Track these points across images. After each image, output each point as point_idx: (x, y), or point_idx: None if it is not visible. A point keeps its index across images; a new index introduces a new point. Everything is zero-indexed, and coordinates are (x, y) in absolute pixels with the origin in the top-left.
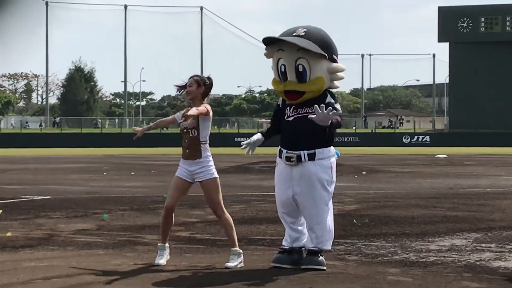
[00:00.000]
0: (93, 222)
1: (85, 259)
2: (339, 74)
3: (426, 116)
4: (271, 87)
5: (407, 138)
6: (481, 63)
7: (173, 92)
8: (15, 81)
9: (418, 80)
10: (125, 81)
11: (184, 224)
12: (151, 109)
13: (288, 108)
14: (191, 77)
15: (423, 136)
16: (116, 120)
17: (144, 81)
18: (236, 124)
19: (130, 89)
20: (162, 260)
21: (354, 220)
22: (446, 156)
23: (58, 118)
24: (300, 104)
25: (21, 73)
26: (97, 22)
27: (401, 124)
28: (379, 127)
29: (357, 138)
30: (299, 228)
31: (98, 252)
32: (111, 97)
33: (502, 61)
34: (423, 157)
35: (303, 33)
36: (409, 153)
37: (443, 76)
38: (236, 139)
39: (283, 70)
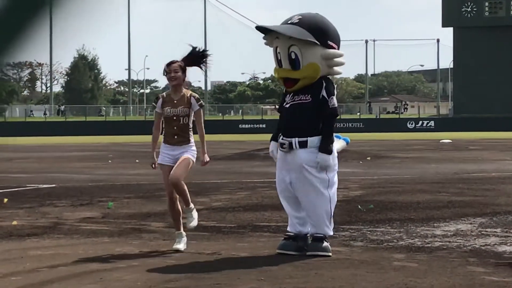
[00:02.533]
0: (98, 210)
1: (90, 247)
2: (337, 60)
3: (430, 101)
4: None
5: (412, 124)
6: (485, 47)
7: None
8: (19, 70)
9: (422, 66)
10: (129, 69)
11: None
12: (155, 97)
13: (288, 95)
14: (173, 62)
15: (428, 121)
16: (120, 108)
17: (148, 68)
18: (240, 111)
19: (134, 77)
20: (181, 245)
21: (359, 206)
22: (450, 141)
23: (63, 106)
24: (297, 92)
25: (25, 62)
26: (101, 10)
27: (405, 110)
28: (384, 112)
29: (361, 123)
30: (302, 214)
31: (103, 240)
32: (115, 85)
33: (507, 45)
34: (428, 142)
35: (296, 21)
36: (414, 138)
37: (447, 61)
38: (240, 126)
39: (279, 58)
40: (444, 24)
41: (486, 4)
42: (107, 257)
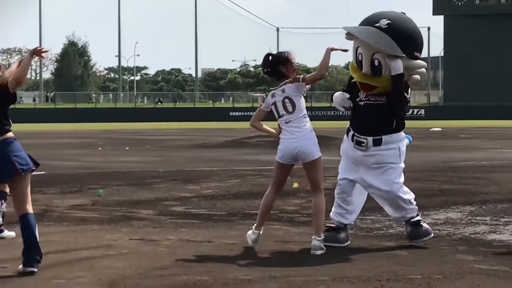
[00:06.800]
0: (88, 197)
1: (80, 234)
2: (419, 70)
3: (421, 89)
4: None
5: None
6: (476, 36)
7: (168, 66)
8: (9, 56)
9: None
10: (119, 56)
11: (180, 199)
12: (145, 84)
13: (361, 92)
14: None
15: (418, 110)
16: (111, 95)
17: (138, 55)
18: (231, 98)
19: (124, 63)
20: None
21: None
22: (441, 129)
23: (52, 93)
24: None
25: (15, 48)
26: None
27: None
28: None
29: None
30: (350, 207)
31: (93, 228)
32: (105, 71)
33: (497, 33)
34: (418, 131)
35: (385, 26)
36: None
37: (438, 49)
38: (231, 114)
39: (360, 58)
40: (435, 12)
41: None
42: (97, 244)
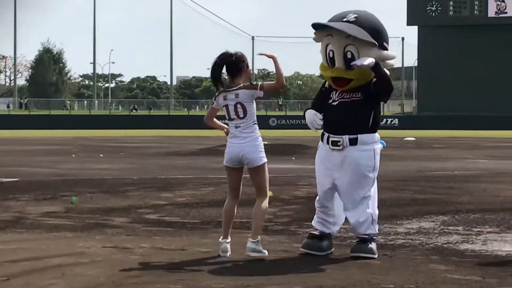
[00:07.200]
0: (61, 204)
1: (53, 242)
2: (389, 62)
3: (395, 99)
4: None
5: None
6: (449, 46)
7: (143, 74)
8: None
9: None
10: (94, 63)
11: (154, 207)
12: (120, 91)
13: (334, 92)
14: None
15: (392, 119)
16: (85, 102)
17: (113, 63)
18: (206, 106)
19: (99, 70)
20: None
21: None
22: (414, 139)
23: (26, 100)
24: (346, 89)
25: None
26: (67, 3)
27: None
28: None
29: None
30: (333, 213)
31: (66, 235)
32: (80, 78)
33: (470, 44)
34: (392, 140)
35: (353, 19)
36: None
37: (412, 59)
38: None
39: (331, 55)
40: (409, 23)
41: (451, 3)
42: (69, 252)
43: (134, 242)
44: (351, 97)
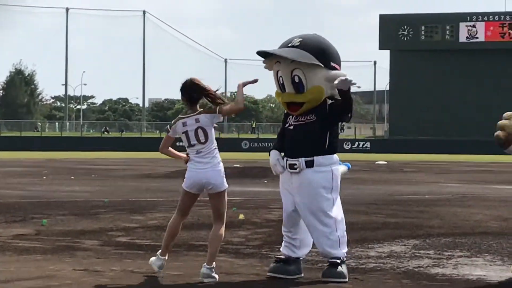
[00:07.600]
0: (32, 227)
1: (23, 265)
2: (341, 78)
3: (366, 122)
4: None
5: (348, 144)
6: (421, 71)
7: (115, 96)
8: None
9: (359, 87)
10: (65, 84)
11: (125, 229)
12: (92, 113)
13: (290, 116)
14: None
15: (364, 143)
16: (57, 123)
17: (85, 84)
18: None
19: (71, 92)
20: None
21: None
22: (386, 162)
23: None
24: (300, 113)
25: None
26: (39, 25)
27: (342, 131)
28: None
29: None
30: (298, 237)
31: (36, 258)
32: (52, 100)
33: (441, 69)
34: (364, 163)
35: (297, 43)
36: (350, 159)
37: (384, 83)
38: (178, 144)
39: (281, 81)
40: (381, 47)
41: (422, 28)
42: (39, 275)
43: (105, 265)
44: (305, 120)
